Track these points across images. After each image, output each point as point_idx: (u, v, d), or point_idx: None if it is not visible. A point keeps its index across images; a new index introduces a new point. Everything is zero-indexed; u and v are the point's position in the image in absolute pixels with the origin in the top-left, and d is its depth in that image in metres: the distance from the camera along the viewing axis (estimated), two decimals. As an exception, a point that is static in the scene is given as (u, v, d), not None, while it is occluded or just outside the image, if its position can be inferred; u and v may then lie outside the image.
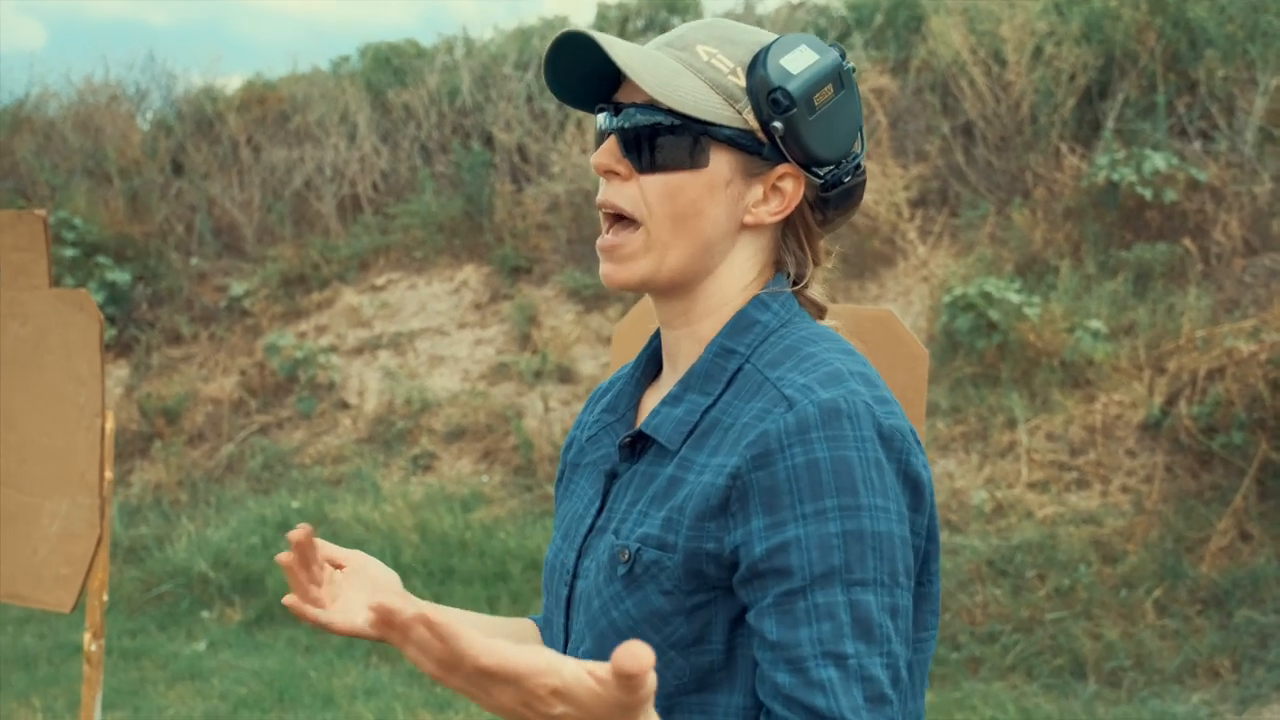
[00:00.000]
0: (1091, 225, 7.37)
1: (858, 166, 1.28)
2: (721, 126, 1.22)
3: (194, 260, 9.80)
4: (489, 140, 9.57)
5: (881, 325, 2.17)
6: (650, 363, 1.39)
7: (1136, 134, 7.69)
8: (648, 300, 1.41)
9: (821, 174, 1.26)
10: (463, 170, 9.36)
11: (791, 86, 1.20)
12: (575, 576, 1.29)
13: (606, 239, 1.27)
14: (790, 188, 1.26)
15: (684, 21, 10.23)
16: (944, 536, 6.00)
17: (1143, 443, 6.30)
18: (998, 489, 6.21)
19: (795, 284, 1.31)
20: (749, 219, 1.26)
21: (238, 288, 9.29)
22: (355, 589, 1.32)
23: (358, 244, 9.48)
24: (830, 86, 1.23)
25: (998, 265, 7.34)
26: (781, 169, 1.25)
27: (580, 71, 1.28)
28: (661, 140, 1.23)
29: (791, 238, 1.30)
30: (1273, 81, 7.44)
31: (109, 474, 3.06)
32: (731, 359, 1.24)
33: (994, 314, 6.65)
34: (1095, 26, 8.06)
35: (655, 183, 1.23)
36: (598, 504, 1.30)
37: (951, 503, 6.22)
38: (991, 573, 5.74)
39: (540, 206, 8.92)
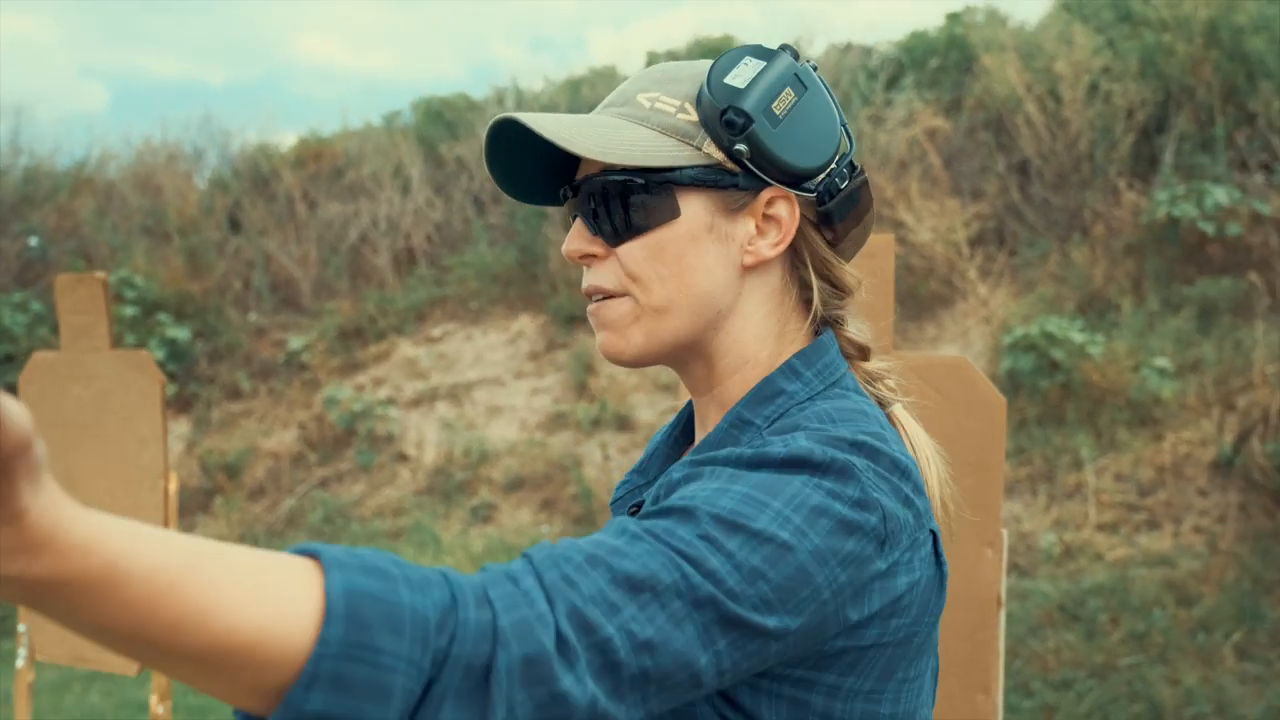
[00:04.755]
0: (1153, 261, 7.26)
1: (852, 167, 1.13)
2: (682, 169, 1.10)
3: (252, 316, 9.88)
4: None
5: (955, 373, 2.12)
6: (690, 421, 1.27)
7: (1195, 168, 7.59)
8: None
9: (812, 186, 1.12)
10: (516, 221, 9.39)
11: (743, 102, 1.07)
12: None
13: (592, 305, 1.16)
14: (784, 212, 1.11)
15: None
16: (1012, 581, 5.89)
17: (1214, 482, 6.17)
18: (1066, 531, 6.09)
19: (827, 322, 1.17)
20: (748, 259, 1.12)
21: (295, 342, 9.35)
22: None
23: (413, 296, 9.52)
24: (788, 90, 1.09)
25: (1059, 304, 7.24)
26: (767, 194, 1.11)
27: (534, 163, 1.17)
28: (624, 204, 1.11)
29: (804, 268, 1.15)
30: (1335, 111, 7.33)
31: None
32: (746, 431, 1.10)
33: (1057, 353, 6.55)
34: (1150, 62, 7.99)
35: (633, 250, 1.11)
36: None
37: (1019, 546, 6.10)
38: (1063, 617, 5.62)
39: (594, 255, 8.92)
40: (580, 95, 10.24)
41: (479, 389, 8.58)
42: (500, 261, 9.33)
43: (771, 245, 1.12)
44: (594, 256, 1.15)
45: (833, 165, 1.12)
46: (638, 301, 1.13)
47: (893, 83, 9.09)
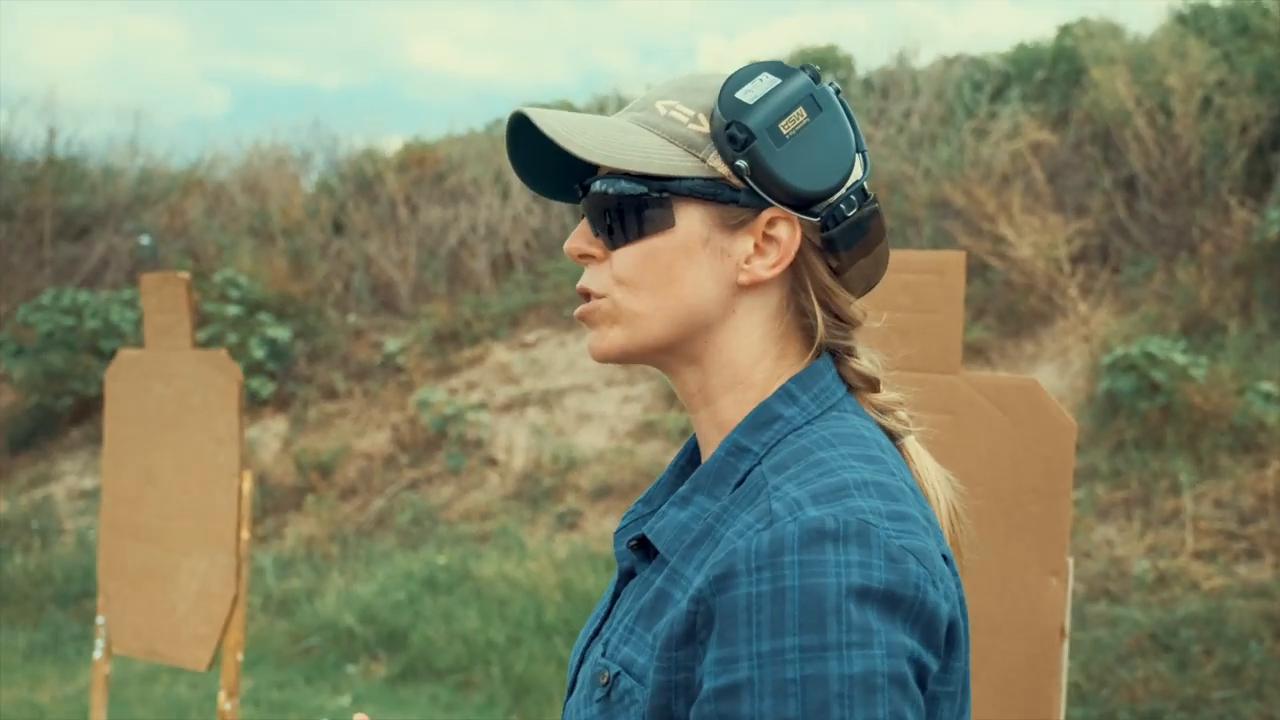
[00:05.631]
0: (1263, 282, 7.04)
1: (864, 194, 1.10)
2: (682, 179, 1.08)
3: (351, 317, 10.02)
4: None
5: (1025, 395, 2.06)
6: (695, 452, 1.24)
7: (1312, 187, 7.34)
8: None
9: (817, 210, 1.09)
10: (613, 228, 9.40)
11: (748, 118, 1.06)
12: (574, 685, 1.16)
13: (578, 311, 1.17)
14: (785, 234, 1.09)
15: (834, 77, 10.20)
16: (1102, 607, 5.74)
17: (1321, 512, 5.95)
18: (1161, 558, 5.92)
19: (833, 351, 1.14)
20: (744, 277, 1.10)
21: (392, 344, 9.46)
22: None
23: (509, 301, 9.58)
24: (800, 110, 1.07)
25: (1162, 324, 7.05)
26: (769, 214, 1.08)
27: (556, 159, 1.16)
28: (624, 208, 1.10)
29: (804, 294, 1.12)
30: None
31: (245, 534, 3.08)
32: (744, 459, 1.09)
33: (1158, 375, 6.37)
34: (1268, 76, 7.74)
35: (627, 255, 1.11)
36: (608, 607, 1.17)
37: (1111, 571, 5.94)
38: (1154, 647, 5.45)
39: (689, 264, 8.90)
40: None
41: (570, 395, 8.60)
42: (595, 269, 9.35)
43: (769, 266, 1.10)
44: (591, 257, 1.14)
45: (840, 191, 1.09)
46: (617, 304, 1.12)
47: (998, 94, 8.93)
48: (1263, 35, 8.09)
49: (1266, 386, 6.30)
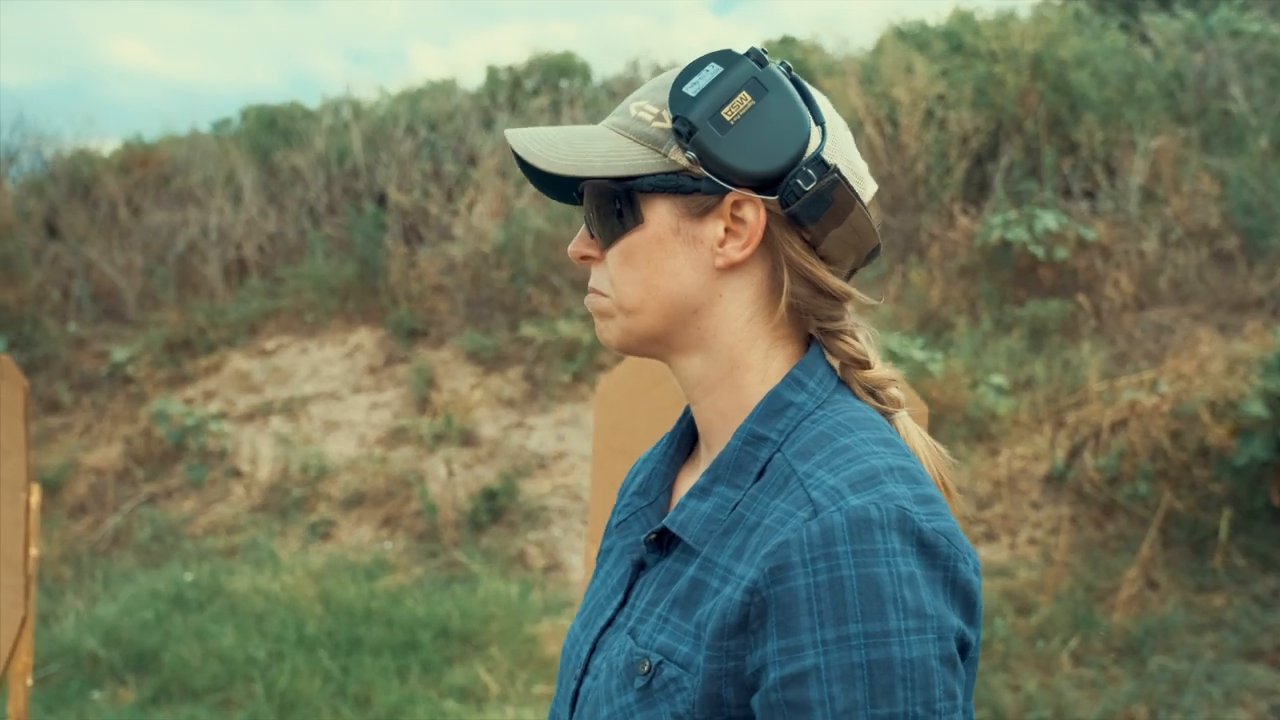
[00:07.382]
0: (985, 283, 7.52)
1: (824, 166, 1.10)
2: (643, 176, 1.13)
3: (72, 326, 9.46)
4: (382, 202, 9.45)
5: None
6: (684, 438, 1.28)
7: (1024, 194, 7.89)
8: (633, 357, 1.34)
9: (777, 190, 1.11)
10: (354, 232, 9.21)
11: (690, 110, 1.10)
12: (585, 673, 1.19)
13: (587, 298, 1.22)
14: (750, 215, 1.11)
15: (573, 84, 10.29)
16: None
17: (1047, 495, 6.40)
18: (909, 544, 6.24)
19: (825, 330, 1.16)
20: (719, 261, 1.13)
21: (120, 354, 8.99)
22: None
23: (245, 308, 9.25)
24: (744, 95, 1.11)
25: (898, 323, 7.44)
26: (732, 197, 1.11)
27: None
28: (602, 211, 1.16)
29: (782, 271, 1.14)
30: (1151, 144, 7.71)
31: (34, 550, 2.89)
32: (763, 447, 1.12)
33: (899, 370, 6.72)
34: (982, 92, 8.28)
35: (614, 255, 1.17)
36: (620, 596, 1.20)
37: (864, 559, 6.23)
38: (909, 628, 5.75)
39: (436, 268, 8.81)
40: (419, 108, 10.11)
41: (315, 403, 8.38)
42: (337, 274, 9.13)
43: (740, 248, 1.13)
44: (591, 258, 1.20)
45: (796, 167, 1.10)
46: (614, 300, 1.18)
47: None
48: (976, 53, 8.65)
49: (997, 379, 6.73)
